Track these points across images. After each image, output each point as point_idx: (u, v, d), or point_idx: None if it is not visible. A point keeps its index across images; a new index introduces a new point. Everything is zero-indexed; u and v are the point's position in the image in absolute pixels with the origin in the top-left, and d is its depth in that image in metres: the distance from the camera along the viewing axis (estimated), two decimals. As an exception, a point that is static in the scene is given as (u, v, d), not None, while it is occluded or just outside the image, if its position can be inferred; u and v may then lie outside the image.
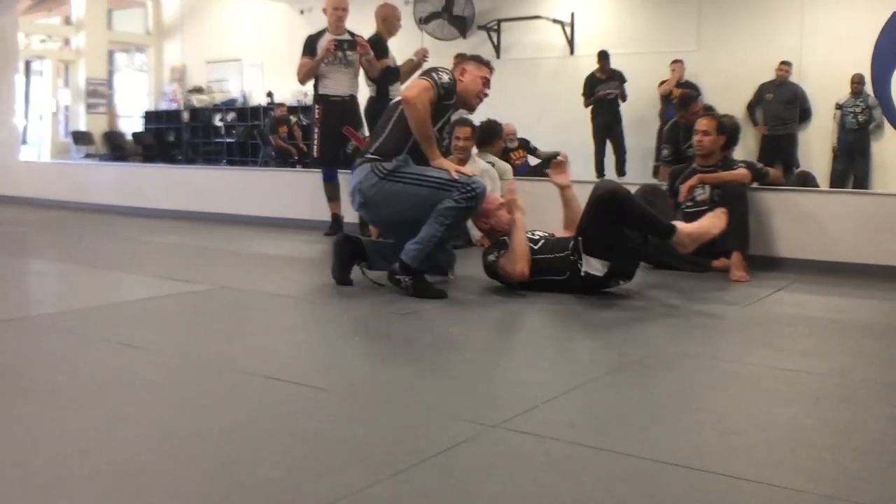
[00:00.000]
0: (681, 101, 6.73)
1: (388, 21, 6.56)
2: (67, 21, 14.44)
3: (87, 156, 13.90)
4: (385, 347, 3.13)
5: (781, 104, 9.50)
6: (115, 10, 15.35)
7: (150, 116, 15.28)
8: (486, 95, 4.31)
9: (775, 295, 4.26)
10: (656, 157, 8.93)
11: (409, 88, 3.96)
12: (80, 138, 14.29)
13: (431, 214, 3.96)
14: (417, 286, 3.96)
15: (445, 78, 4.04)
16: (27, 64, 14.34)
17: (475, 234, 5.89)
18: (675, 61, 9.41)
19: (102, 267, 5.03)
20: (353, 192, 4.13)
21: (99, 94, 14.65)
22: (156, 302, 3.87)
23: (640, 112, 9.83)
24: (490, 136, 6.55)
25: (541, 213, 5.95)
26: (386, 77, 6.44)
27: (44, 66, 14.91)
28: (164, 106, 15.38)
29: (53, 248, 6.07)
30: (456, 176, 3.93)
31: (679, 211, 5.08)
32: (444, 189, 3.92)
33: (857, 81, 9.07)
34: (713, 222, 3.92)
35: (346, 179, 6.42)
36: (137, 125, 15.38)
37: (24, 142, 11.25)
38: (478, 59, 4.35)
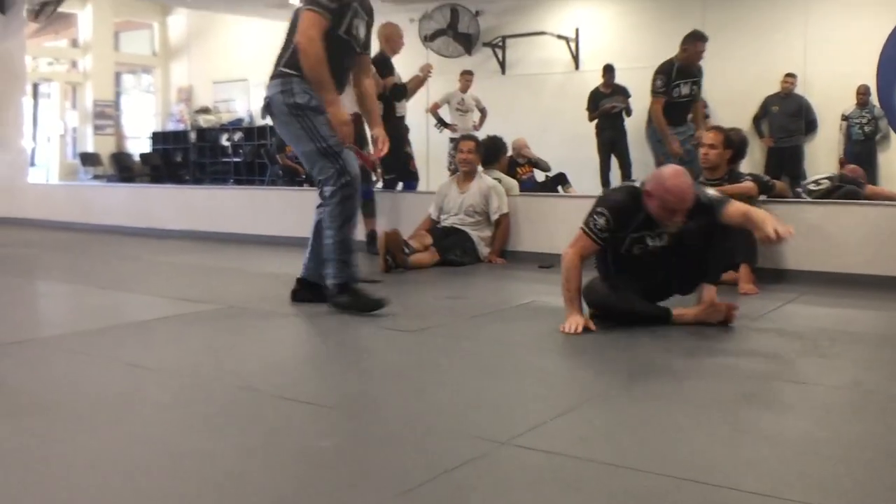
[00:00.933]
0: (686, 37, 6.61)
1: (391, 40, 6.60)
2: (74, 44, 14.54)
3: (95, 177, 13.97)
4: (393, 364, 3.13)
5: (787, 116, 9.50)
6: (122, 32, 15.46)
7: (157, 137, 15.36)
8: None
9: (784, 307, 4.25)
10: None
11: (299, 31, 3.79)
12: (88, 160, 14.37)
13: (323, 223, 3.95)
14: (354, 301, 3.90)
15: None
16: (35, 87, 14.45)
17: (483, 250, 5.90)
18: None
19: (111, 288, 5.04)
20: (266, 99, 3.99)
21: (106, 116, 14.73)
22: (164, 322, 3.88)
23: (645, 127, 9.84)
24: (495, 153, 6.57)
25: (547, 227, 5.98)
26: (393, 94, 6.48)
27: (51, 89, 15.01)
28: (171, 126, 15.47)
29: (62, 270, 6.09)
30: (340, 138, 3.87)
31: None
32: (328, 160, 3.87)
33: (863, 92, 9.07)
34: (710, 314, 3.65)
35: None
36: (145, 146, 15.46)
37: (32, 164, 11.32)
38: None
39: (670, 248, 3.64)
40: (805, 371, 3.03)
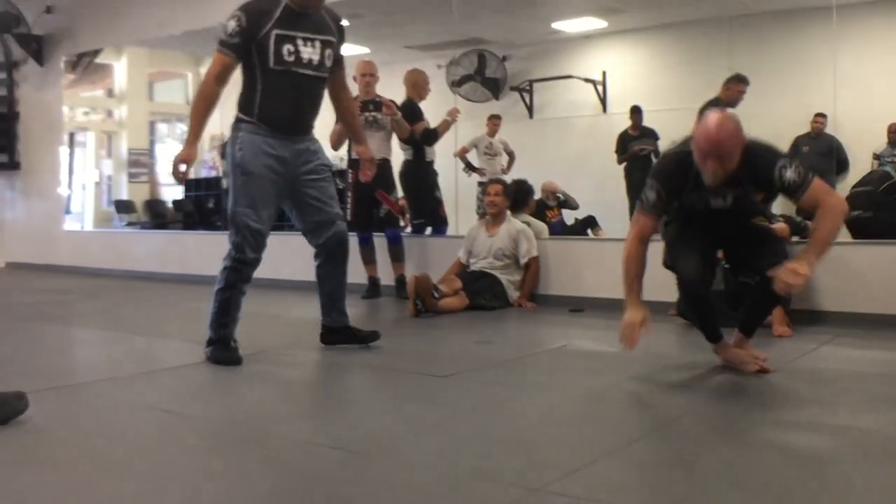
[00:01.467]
0: (729, 78, 6.96)
1: (417, 86, 6.70)
2: (110, 93, 14.83)
3: (129, 224, 14.14)
4: (427, 411, 3.12)
5: (818, 156, 9.43)
6: (156, 81, 15.74)
7: (189, 184, 15.50)
8: None
9: (820, 349, 4.20)
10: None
11: None
12: (123, 207, 14.55)
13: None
14: (219, 355, 3.84)
15: (231, 25, 3.65)
16: (71, 136, 14.73)
17: (512, 294, 5.89)
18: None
19: (144, 333, 5.09)
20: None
21: (140, 164, 14.95)
22: (197, 368, 3.90)
23: (674, 168, 9.84)
24: (522, 197, 6.60)
25: (577, 270, 5.97)
26: (424, 139, 6.55)
27: (87, 138, 15.28)
28: (203, 173, 15.64)
29: (96, 316, 6.16)
30: (179, 168, 3.74)
31: (719, 266, 5.04)
32: (232, 228, 3.79)
33: (894, 131, 9.02)
34: (747, 363, 3.54)
35: (380, 242, 6.51)
36: (178, 193, 15.64)
37: (67, 211, 11.50)
38: None
39: (734, 211, 3.46)
40: (842, 414, 2.98)
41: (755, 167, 3.28)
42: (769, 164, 3.28)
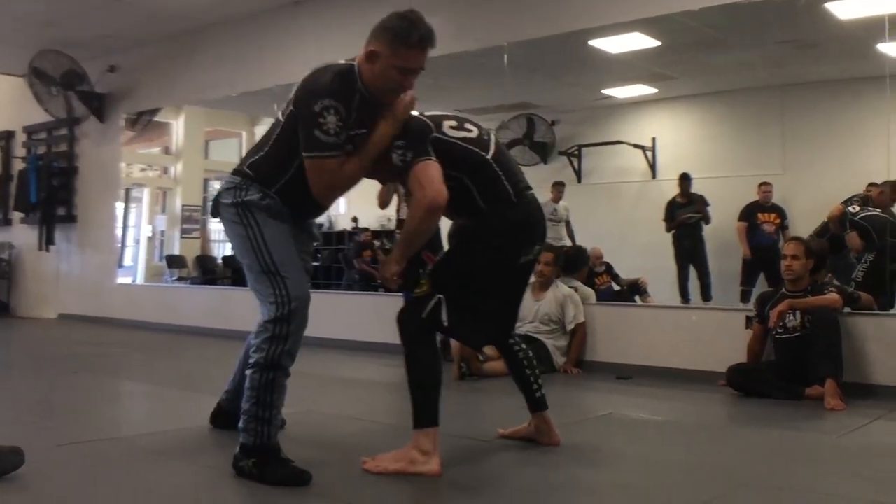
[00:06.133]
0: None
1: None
2: (167, 151, 15.20)
3: (179, 279, 14.36)
4: (470, 476, 3.08)
5: (872, 226, 9.31)
6: (212, 140, 16.11)
7: (239, 240, 15.78)
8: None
9: (873, 424, 4.08)
10: (741, 281, 8.83)
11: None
12: (174, 262, 14.80)
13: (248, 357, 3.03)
14: (267, 470, 2.81)
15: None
16: (127, 191, 15.08)
17: (558, 359, 5.84)
18: (764, 183, 9.33)
19: (191, 389, 5.12)
20: (213, 200, 3.23)
21: (193, 220, 15.22)
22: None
23: (723, 236, 9.75)
24: (577, 263, 6.58)
25: (625, 337, 5.91)
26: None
27: (142, 193, 15.64)
28: (252, 231, 15.88)
29: (145, 370, 6.23)
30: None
31: (770, 337, 4.97)
32: (267, 281, 2.98)
33: (952, 202, 8.86)
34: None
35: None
36: (228, 249, 15.88)
37: (120, 265, 11.73)
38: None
39: None
40: (893, 492, 2.90)
41: None
42: None
